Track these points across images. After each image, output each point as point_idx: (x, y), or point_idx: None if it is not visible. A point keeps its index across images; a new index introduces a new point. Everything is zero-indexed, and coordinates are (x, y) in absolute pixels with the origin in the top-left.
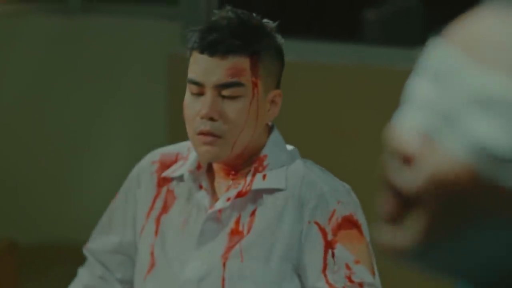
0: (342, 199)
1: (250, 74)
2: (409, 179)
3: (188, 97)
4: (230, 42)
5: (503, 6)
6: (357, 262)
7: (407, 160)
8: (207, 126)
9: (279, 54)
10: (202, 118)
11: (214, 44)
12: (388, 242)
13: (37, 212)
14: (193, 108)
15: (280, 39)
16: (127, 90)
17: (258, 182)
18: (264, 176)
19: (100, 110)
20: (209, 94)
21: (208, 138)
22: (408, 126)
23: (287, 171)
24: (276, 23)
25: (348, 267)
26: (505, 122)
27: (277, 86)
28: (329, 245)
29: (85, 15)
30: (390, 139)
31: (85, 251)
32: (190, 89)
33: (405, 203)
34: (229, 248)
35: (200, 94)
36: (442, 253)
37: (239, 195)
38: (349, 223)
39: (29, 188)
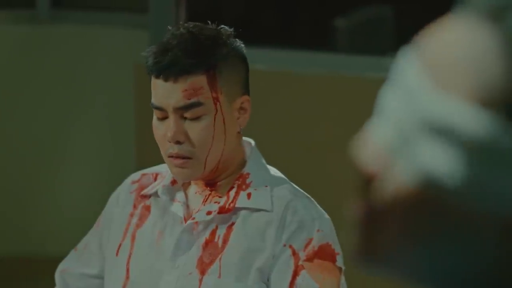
0: (322, 228)
1: (209, 90)
2: (375, 195)
3: (155, 121)
4: (183, 63)
5: (473, 16)
6: None
7: (371, 177)
8: (175, 149)
9: (239, 59)
10: (168, 142)
11: (167, 67)
12: (357, 247)
13: (4, 224)
14: (160, 131)
15: (239, 43)
16: (96, 98)
17: (242, 201)
18: (249, 195)
19: (68, 118)
20: (171, 117)
21: (179, 161)
22: (374, 141)
23: (272, 193)
24: (232, 28)
25: None
26: (448, 150)
27: (245, 91)
28: (297, 272)
29: (54, 23)
30: (356, 154)
31: (56, 275)
32: (155, 113)
33: (374, 211)
34: (208, 263)
35: (165, 117)
36: (409, 258)
37: (222, 211)
38: (325, 252)
39: None
